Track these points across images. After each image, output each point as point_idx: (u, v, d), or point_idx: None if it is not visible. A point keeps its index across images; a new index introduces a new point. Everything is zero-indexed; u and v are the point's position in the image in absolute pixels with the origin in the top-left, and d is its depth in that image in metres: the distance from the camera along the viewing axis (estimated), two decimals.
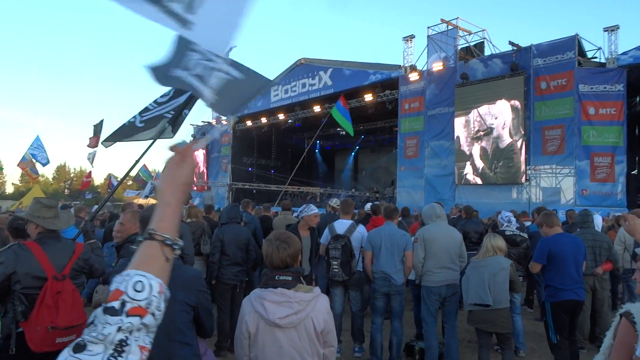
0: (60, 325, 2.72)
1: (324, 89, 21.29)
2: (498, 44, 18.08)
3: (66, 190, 65.02)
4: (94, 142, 16.66)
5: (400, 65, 18.44)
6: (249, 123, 25.46)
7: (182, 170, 1.04)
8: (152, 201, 18.89)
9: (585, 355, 5.23)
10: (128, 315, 0.81)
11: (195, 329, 2.29)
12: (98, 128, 15.21)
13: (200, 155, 25.85)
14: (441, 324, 5.25)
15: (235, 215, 5.68)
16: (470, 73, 16.12)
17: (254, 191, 24.55)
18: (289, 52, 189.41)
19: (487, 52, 16.78)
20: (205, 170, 27.36)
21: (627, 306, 1.94)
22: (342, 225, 5.46)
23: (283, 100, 23.40)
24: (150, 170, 23.49)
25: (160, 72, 1.64)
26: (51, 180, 64.66)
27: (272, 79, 23.90)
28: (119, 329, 0.79)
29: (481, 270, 4.55)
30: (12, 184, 57.04)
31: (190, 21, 1.39)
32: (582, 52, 14.58)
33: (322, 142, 29.92)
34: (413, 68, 18.00)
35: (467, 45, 16.97)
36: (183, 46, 1.61)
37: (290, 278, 2.21)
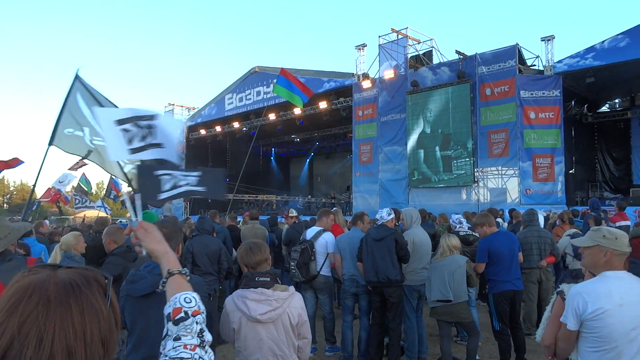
0: None
1: (278, 96, 21.36)
2: (445, 52, 18.80)
3: (5, 205, 61.51)
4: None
5: (353, 74, 18.90)
6: (202, 132, 25.17)
7: (154, 231, 1.52)
8: (101, 213, 18.33)
9: (534, 341, 5.62)
10: (194, 315, 1.20)
11: None
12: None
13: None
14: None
15: (207, 227, 5.74)
16: (420, 80, 16.78)
17: (210, 200, 24.23)
18: (243, 61, 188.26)
19: (436, 60, 17.48)
20: None
21: (562, 286, 2.35)
22: (312, 231, 5.76)
23: (238, 108, 23.34)
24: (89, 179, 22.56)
25: (152, 198, 2.06)
26: None
27: (227, 86, 23.93)
28: (197, 323, 1.19)
29: (441, 270, 4.87)
30: None
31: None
32: (522, 60, 15.53)
33: (276, 149, 30.02)
34: (365, 76, 18.50)
35: (416, 53, 17.62)
36: (151, 176, 2.04)
37: (268, 279, 2.37)
